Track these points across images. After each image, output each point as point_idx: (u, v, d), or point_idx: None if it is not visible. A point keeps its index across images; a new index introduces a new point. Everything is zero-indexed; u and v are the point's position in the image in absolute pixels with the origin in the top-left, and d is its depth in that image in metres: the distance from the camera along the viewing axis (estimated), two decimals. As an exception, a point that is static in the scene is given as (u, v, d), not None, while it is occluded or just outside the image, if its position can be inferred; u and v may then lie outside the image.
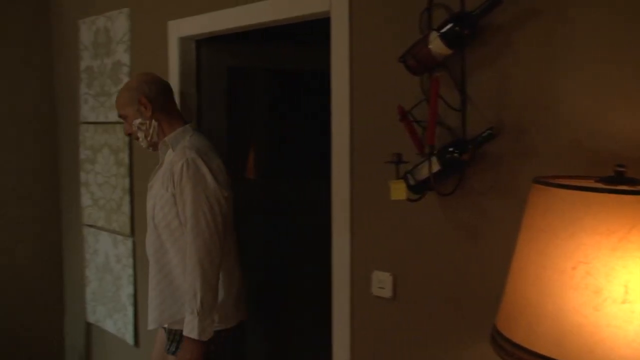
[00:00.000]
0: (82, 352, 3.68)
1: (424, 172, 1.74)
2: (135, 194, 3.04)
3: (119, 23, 3.02)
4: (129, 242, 3.08)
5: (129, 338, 3.17)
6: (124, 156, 3.05)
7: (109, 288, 3.29)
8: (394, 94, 1.91)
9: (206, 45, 2.75)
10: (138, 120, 2.33)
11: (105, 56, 3.14)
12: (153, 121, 2.33)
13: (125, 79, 2.98)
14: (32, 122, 3.64)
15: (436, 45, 1.66)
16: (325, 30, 2.14)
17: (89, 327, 3.57)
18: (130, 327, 3.14)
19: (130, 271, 3.10)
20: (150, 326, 2.34)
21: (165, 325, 2.35)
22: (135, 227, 3.06)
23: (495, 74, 1.67)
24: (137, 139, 2.39)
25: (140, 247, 3.03)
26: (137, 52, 2.94)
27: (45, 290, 3.76)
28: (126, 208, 3.07)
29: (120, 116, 2.40)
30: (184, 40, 2.70)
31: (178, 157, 2.21)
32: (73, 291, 3.71)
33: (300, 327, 3.03)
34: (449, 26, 1.63)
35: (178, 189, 2.19)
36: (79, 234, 3.54)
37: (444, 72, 1.74)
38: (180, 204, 2.20)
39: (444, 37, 1.63)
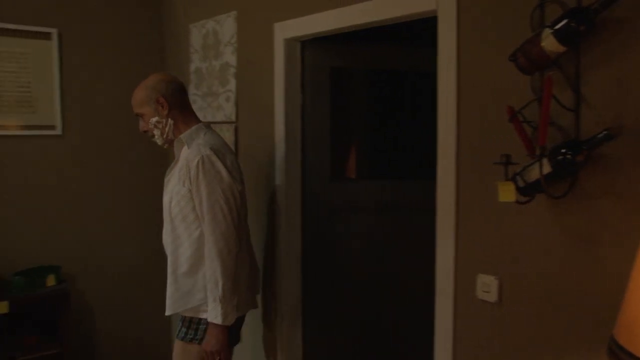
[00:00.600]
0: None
1: (534, 174, 1.68)
2: (240, 192, 3.12)
3: (227, 26, 3.12)
4: (233, 238, 3.17)
5: (232, 331, 3.26)
6: (230, 155, 3.14)
7: (213, 282, 3.39)
8: (502, 93, 1.86)
9: (310, 46, 2.79)
10: (155, 119, 2.42)
11: (213, 58, 3.26)
12: (169, 119, 2.42)
13: (233, 80, 3.08)
14: (145, 122, 3.83)
15: (549, 42, 1.60)
16: (430, 30, 2.11)
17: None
18: (233, 321, 3.23)
19: (234, 266, 3.18)
20: (167, 312, 2.45)
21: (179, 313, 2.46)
22: (240, 224, 3.14)
23: (614, 72, 1.59)
24: (153, 136, 2.47)
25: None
26: (243, 54, 3.03)
27: (152, 284, 3.92)
28: (231, 205, 3.16)
29: (136, 114, 2.49)
30: (289, 42, 2.75)
31: (194, 154, 2.30)
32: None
33: (401, 328, 3.01)
34: (563, 22, 1.57)
35: (194, 185, 2.28)
36: (186, 229, 3.68)
37: (557, 70, 1.68)
38: (196, 199, 2.30)
39: (558, 34, 1.57)
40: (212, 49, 3.27)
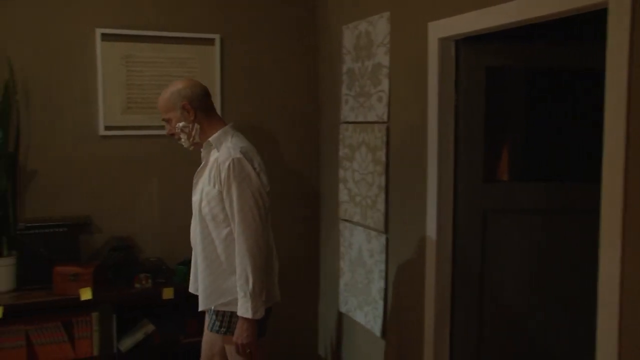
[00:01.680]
0: (333, 338, 3.89)
1: None
2: (391, 192, 3.13)
3: (380, 26, 3.13)
4: (382, 238, 3.19)
5: (377, 330, 3.28)
6: (381, 154, 3.15)
7: (360, 280, 3.43)
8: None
9: (465, 45, 2.73)
10: (181, 124, 2.54)
11: (365, 59, 3.29)
12: (195, 124, 2.54)
13: (385, 80, 3.09)
14: (298, 121, 3.97)
15: None
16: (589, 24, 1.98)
17: (340, 316, 3.76)
18: (379, 320, 3.25)
19: (382, 266, 3.20)
20: (200, 308, 2.59)
21: (212, 307, 2.57)
22: (390, 224, 3.15)
23: None
24: (179, 139, 2.60)
25: (394, 244, 3.12)
26: (396, 54, 3.03)
27: (304, 276, 4.06)
28: (381, 205, 3.18)
29: (163, 119, 2.61)
30: (443, 41, 2.70)
31: (224, 157, 2.42)
32: (328, 281, 3.95)
33: (558, 340, 2.86)
34: None
35: (225, 186, 2.40)
36: (335, 228, 3.76)
37: None
38: (227, 200, 2.42)
39: None
40: (364, 50, 3.30)
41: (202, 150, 2.61)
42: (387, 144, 3.12)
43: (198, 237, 2.57)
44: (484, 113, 2.79)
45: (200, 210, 2.53)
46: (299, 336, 4.10)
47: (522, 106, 3.04)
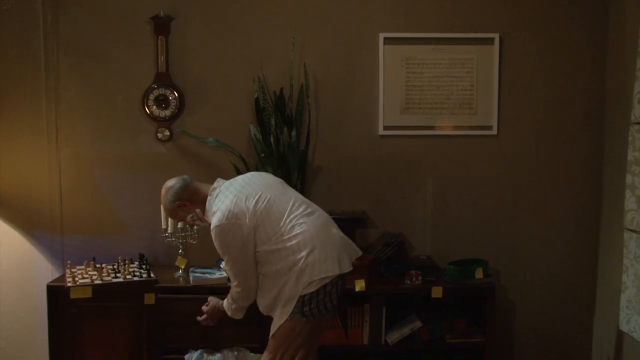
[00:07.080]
0: (610, 358, 3.61)
1: None
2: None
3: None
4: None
5: (668, 356, 2.95)
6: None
7: (647, 298, 3.12)
8: None
9: None
10: (189, 217, 2.94)
11: (665, 53, 2.97)
12: (195, 209, 2.90)
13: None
14: (578, 123, 3.75)
15: None
16: None
17: (620, 335, 3.48)
18: (671, 345, 2.92)
19: (677, 285, 2.87)
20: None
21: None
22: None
23: None
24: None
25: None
26: None
27: (577, 287, 3.84)
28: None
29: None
30: None
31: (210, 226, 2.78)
32: (605, 294, 3.68)
33: None
34: None
35: None
36: (618, 238, 3.47)
37: None
38: None
39: None
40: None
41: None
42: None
43: None
44: None
45: None
46: (569, 352, 3.89)
47: None
